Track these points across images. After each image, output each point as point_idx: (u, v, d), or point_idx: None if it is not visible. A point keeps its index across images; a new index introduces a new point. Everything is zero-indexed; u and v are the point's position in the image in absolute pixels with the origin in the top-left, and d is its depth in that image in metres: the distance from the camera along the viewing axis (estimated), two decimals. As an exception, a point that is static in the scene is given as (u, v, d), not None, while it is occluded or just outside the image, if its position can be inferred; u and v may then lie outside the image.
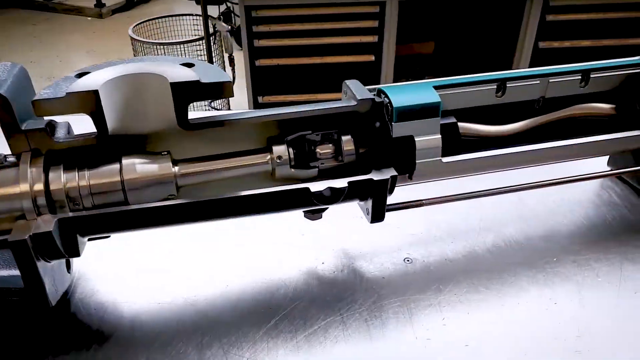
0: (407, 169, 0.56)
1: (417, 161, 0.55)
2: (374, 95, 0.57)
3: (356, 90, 0.56)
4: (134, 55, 2.21)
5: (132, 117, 0.50)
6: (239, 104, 2.41)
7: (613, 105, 0.64)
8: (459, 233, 0.66)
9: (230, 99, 2.36)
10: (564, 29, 2.19)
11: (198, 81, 0.48)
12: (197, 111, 2.14)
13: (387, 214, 0.57)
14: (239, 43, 2.03)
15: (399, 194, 0.57)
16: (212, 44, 2.02)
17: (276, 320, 0.54)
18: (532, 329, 0.53)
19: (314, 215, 0.59)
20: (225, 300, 0.57)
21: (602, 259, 0.61)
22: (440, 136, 0.55)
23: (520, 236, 0.65)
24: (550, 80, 0.60)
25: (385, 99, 0.55)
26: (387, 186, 0.54)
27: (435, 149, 0.55)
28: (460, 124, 0.59)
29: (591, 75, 0.61)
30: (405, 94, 0.55)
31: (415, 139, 0.55)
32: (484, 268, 0.61)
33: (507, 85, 0.59)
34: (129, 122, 0.51)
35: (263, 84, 2.19)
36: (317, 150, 0.55)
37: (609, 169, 0.76)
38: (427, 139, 0.55)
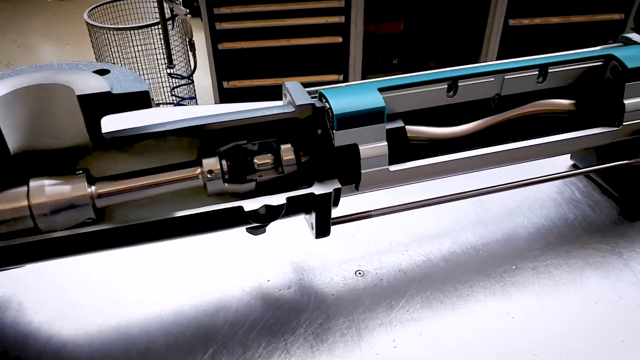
0: (352, 180, 0.51)
1: (362, 171, 0.51)
2: (315, 98, 0.52)
3: (295, 94, 0.51)
4: (91, 41, 2.11)
5: (39, 134, 0.45)
6: (204, 90, 2.32)
7: (573, 101, 0.60)
8: (414, 240, 0.62)
9: (195, 85, 2.28)
10: (534, 6, 2.15)
11: (109, 92, 0.43)
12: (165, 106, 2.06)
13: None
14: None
15: (348, 203, 0.53)
16: (169, 27, 1.92)
17: (214, 349, 0.50)
18: (487, 347, 0.50)
19: (257, 230, 0.54)
20: (159, 326, 0.52)
21: (562, 265, 0.58)
22: (386, 143, 0.51)
23: (477, 242, 0.62)
24: (506, 77, 0.56)
25: (327, 103, 0.50)
26: (331, 200, 0.50)
27: (382, 158, 0.51)
28: (409, 128, 0.54)
29: (549, 70, 0.57)
30: (347, 97, 0.50)
31: (360, 148, 0.50)
32: (438, 279, 0.57)
33: (459, 84, 0.54)
34: (36, 139, 0.45)
35: (227, 69, 2.11)
36: (255, 161, 0.50)
37: (571, 163, 0.73)
38: (373, 146, 0.50)
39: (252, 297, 0.55)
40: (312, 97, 0.51)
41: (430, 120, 0.56)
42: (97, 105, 0.43)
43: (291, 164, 0.50)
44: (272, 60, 2.12)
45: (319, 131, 0.51)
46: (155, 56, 2.09)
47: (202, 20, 1.93)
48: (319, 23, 2.06)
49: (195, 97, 2.13)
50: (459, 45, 2.40)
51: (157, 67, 2.09)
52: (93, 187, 0.46)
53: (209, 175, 0.49)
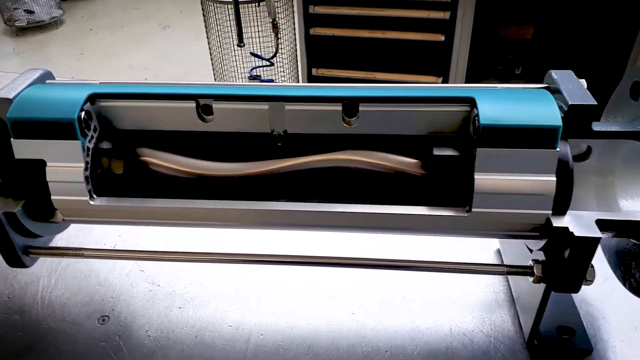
0: (44, 206, 0.40)
1: (52, 197, 0.39)
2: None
3: (18, 82, 0.41)
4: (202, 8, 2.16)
5: None
6: (289, 74, 2.23)
7: (417, 161, 0.39)
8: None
9: (283, 69, 2.19)
10: None
11: None
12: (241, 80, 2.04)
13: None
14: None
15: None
16: (256, 7, 1.86)
17: None
18: None
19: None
20: None
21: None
22: (82, 165, 0.38)
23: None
24: (288, 107, 0.38)
25: (28, 103, 0.39)
26: (2, 223, 0.39)
27: (78, 185, 0.39)
28: (149, 152, 0.41)
29: (360, 108, 0.38)
30: (43, 98, 0.39)
31: (48, 167, 0.38)
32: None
33: (213, 106, 0.39)
34: None
35: (317, 55, 2.01)
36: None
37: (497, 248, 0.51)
38: (65, 168, 0.38)
39: None
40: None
41: (190, 150, 0.41)
42: None
43: (-13, 169, 0.41)
44: (364, 52, 1.97)
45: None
46: (247, 33, 2.03)
47: (295, 0, 1.86)
48: (420, 17, 1.85)
49: (273, 80, 2.07)
50: (598, 63, 1.96)
51: (248, 44, 2.04)
52: None
53: None
